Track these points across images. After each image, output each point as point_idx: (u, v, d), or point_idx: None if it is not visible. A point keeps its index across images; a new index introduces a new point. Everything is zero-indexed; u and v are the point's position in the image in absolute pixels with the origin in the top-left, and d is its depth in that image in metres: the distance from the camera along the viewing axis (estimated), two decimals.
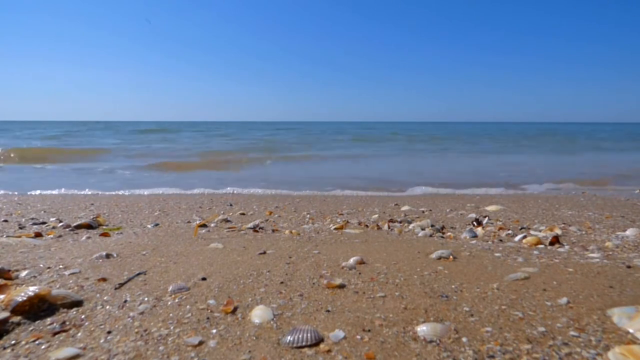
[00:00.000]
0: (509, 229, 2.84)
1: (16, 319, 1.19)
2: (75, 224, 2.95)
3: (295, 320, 1.22)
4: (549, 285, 1.48)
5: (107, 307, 1.31)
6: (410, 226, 3.01)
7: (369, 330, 1.15)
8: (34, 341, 1.09)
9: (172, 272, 1.68)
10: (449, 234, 2.76)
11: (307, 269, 1.74)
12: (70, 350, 1.04)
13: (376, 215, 3.64)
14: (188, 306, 1.32)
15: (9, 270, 1.64)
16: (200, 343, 1.08)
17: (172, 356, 1.02)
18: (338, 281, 1.54)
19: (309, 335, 1.10)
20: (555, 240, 2.32)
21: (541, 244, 2.32)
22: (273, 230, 2.91)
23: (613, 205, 4.13)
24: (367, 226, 3.09)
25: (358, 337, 1.11)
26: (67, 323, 1.20)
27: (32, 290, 1.27)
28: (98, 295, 1.41)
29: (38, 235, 2.61)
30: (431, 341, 1.08)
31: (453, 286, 1.50)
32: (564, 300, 1.32)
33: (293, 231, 2.83)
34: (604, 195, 5.16)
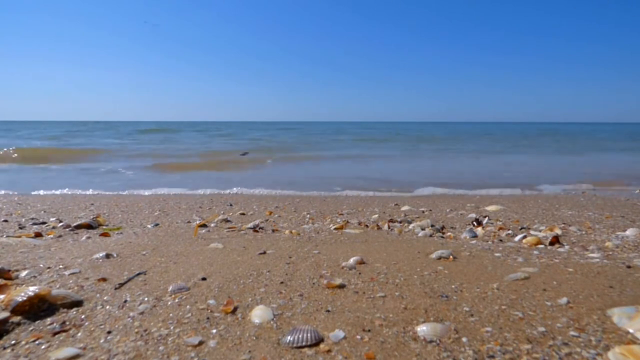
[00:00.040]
0: (509, 229, 2.84)
1: (16, 319, 1.19)
2: (75, 224, 2.95)
3: (295, 320, 1.22)
4: (549, 285, 1.48)
5: (107, 307, 1.31)
6: (410, 226, 3.01)
7: (369, 330, 1.15)
8: (34, 341, 1.09)
9: (172, 272, 1.68)
10: (449, 234, 2.76)
11: (307, 269, 1.74)
12: (70, 350, 1.04)
13: (376, 215, 3.64)
14: (188, 306, 1.32)
15: (9, 270, 1.64)
16: (200, 343, 1.08)
17: (172, 356, 1.02)
18: (338, 281, 1.54)
19: (309, 335, 1.10)
20: (555, 240, 2.32)
21: (541, 244, 2.32)
22: (273, 230, 2.91)
23: (613, 205, 4.12)
24: (367, 226, 3.09)
25: (358, 337, 1.11)
26: (67, 323, 1.20)
27: (32, 290, 1.27)
28: (98, 295, 1.41)
29: (38, 235, 2.62)
30: (431, 341, 1.08)
31: (453, 286, 1.49)
32: (564, 300, 1.32)
33: (293, 231, 2.83)
34: (604, 195, 5.16)
